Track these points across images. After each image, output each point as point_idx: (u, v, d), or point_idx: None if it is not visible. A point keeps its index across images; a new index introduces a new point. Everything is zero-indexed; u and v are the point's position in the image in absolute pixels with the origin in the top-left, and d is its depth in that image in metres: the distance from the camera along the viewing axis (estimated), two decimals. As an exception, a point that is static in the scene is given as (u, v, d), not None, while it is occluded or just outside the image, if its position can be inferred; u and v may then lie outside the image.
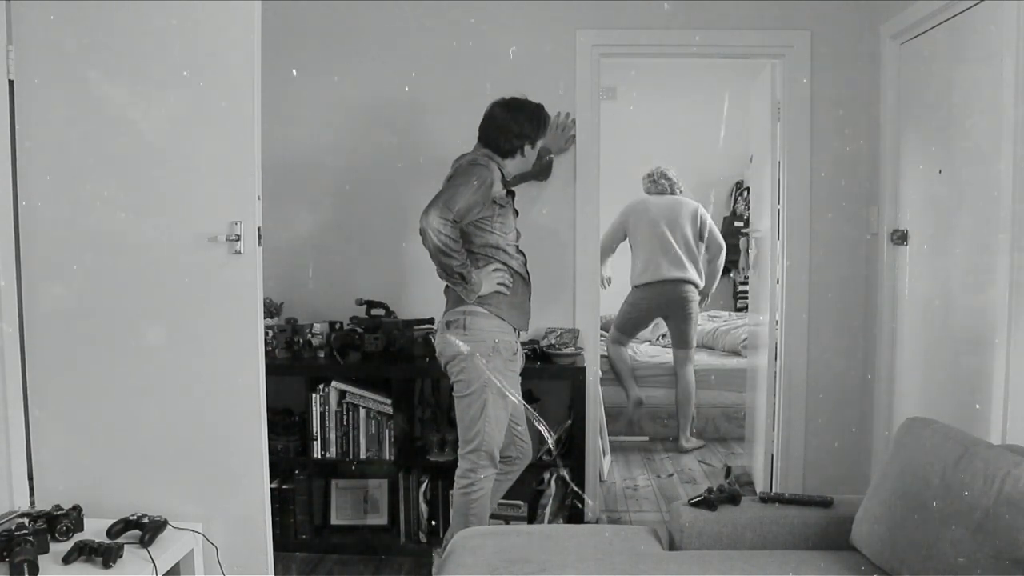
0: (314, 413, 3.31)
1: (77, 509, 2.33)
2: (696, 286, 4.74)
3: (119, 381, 2.52)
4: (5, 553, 2.05)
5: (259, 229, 2.44)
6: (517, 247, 2.90)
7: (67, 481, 2.51)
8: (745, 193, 6.25)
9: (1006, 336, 2.30)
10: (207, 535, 2.47)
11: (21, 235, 2.47)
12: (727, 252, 4.97)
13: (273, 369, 2.78)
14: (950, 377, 2.76)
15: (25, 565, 2.03)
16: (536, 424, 3.05)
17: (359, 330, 3.39)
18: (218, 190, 2.44)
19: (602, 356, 4.29)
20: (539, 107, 2.90)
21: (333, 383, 3.31)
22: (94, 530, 2.29)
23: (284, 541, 3.29)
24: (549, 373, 3.37)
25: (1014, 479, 1.68)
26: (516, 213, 2.93)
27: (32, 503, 2.50)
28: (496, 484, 2.90)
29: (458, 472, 2.85)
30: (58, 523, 2.27)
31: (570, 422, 3.37)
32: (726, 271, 5.94)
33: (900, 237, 3.16)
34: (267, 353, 2.78)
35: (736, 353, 5.43)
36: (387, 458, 3.32)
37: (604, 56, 3.55)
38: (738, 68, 4.96)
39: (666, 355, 5.24)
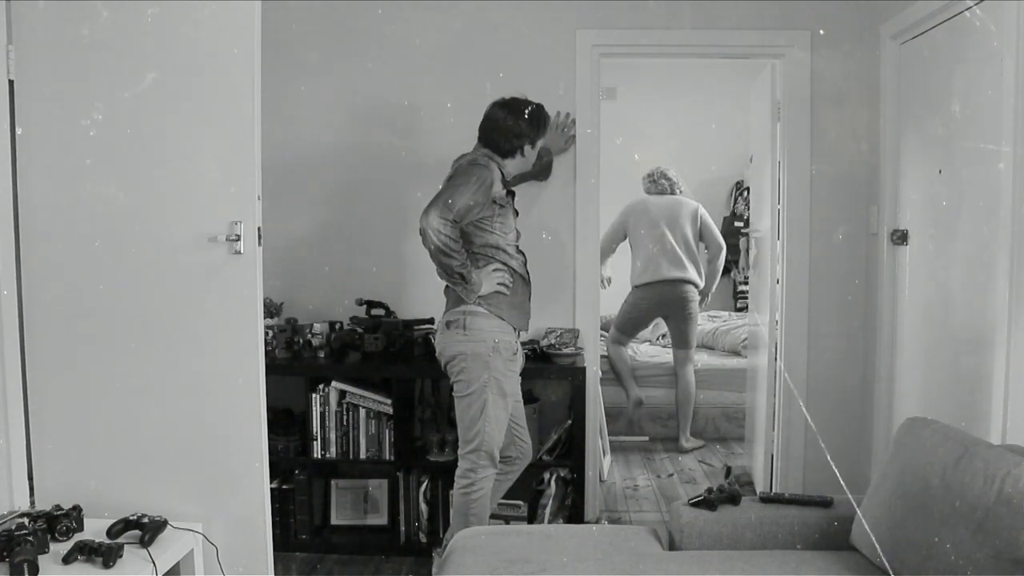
0: (314, 413, 3.31)
1: (77, 509, 2.33)
2: (696, 286, 4.74)
3: (119, 381, 2.51)
4: (5, 553, 2.05)
5: (259, 229, 2.44)
6: (517, 247, 2.90)
7: (67, 481, 2.51)
8: (745, 193, 6.25)
9: (1006, 336, 2.29)
10: (207, 535, 2.47)
11: (21, 235, 2.47)
12: (727, 252, 4.97)
13: (273, 369, 2.79)
14: (950, 377, 2.76)
15: (25, 565, 2.03)
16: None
17: (359, 330, 3.39)
18: (218, 190, 2.44)
19: (602, 356, 4.29)
20: (539, 107, 2.90)
21: (333, 383, 3.32)
22: (94, 530, 2.29)
23: (284, 541, 3.29)
24: (549, 373, 3.38)
25: (1014, 479, 1.68)
26: (516, 213, 2.93)
27: (32, 503, 2.50)
28: (496, 484, 2.90)
29: (458, 472, 2.85)
30: (58, 523, 2.27)
31: (570, 422, 3.37)
32: (726, 271, 5.95)
33: (900, 237, 3.15)
34: (267, 353, 2.78)
35: (736, 353, 5.43)
36: (387, 458, 3.32)
37: (604, 56, 3.55)
38: (738, 68, 4.96)
39: (666, 355, 5.24)
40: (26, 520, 2.20)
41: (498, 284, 2.79)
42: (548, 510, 3.30)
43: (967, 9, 2.60)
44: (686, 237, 4.72)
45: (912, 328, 3.11)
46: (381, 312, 3.43)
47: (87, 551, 2.15)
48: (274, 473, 3.19)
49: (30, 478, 2.52)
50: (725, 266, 5.14)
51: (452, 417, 3.05)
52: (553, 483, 3.36)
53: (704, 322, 5.78)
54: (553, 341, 3.40)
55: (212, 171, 2.45)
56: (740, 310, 6.34)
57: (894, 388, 3.24)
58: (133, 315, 2.50)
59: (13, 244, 2.45)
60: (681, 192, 4.85)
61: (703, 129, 6.14)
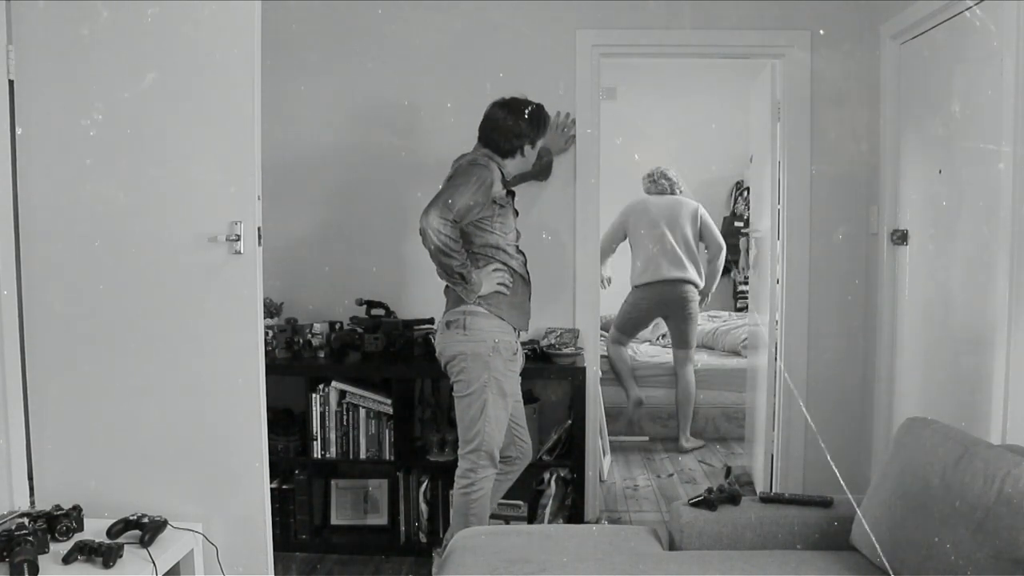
0: (314, 413, 3.31)
1: (77, 509, 2.33)
2: (696, 286, 4.74)
3: (119, 381, 2.51)
4: (5, 553, 2.05)
5: (259, 229, 2.44)
6: (517, 247, 2.90)
7: (67, 481, 2.51)
8: (745, 193, 6.25)
9: (1006, 336, 2.30)
10: (207, 535, 2.47)
11: (21, 235, 2.47)
12: (727, 252, 4.97)
13: (273, 369, 2.79)
14: (950, 377, 2.76)
15: (25, 565, 2.03)
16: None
17: (359, 330, 3.39)
18: (218, 190, 2.44)
19: (602, 356, 4.29)
20: (539, 107, 2.89)
21: (333, 383, 3.32)
22: (94, 530, 2.29)
23: (284, 541, 3.29)
24: (549, 373, 3.38)
25: (1014, 479, 1.68)
26: (516, 213, 2.93)
27: (32, 503, 2.50)
28: (496, 484, 2.90)
29: (458, 472, 2.85)
30: (58, 523, 2.27)
31: (570, 422, 3.37)
32: (726, 271, 5.94)
33: (900, 237, 3.15)
34: (267, 353, 2.78)
35: (736, 353, 5.43)
36: (387, 458, 3.32)
37: (604, 56, 3.55)
38: (738, 68, 4.96)
39: (666, 355, 5.24)
40: (26, 520, 2.20)
41: (498, 284, 2.79)
42: (548, 510, 3.31)
43: (967, 9, 2.60)
44: (686, 237, 4.72)
45: (912, 328, 3.11)
46: (381, 312, 3.44)
47: (87, 551, 2.15)
48: (274, 473, 3.19)
49: (30, 478, 2.52)
50: (725, 266, 5.14)
51: (452, 417, 3.05)
52: (553, 483, 3.36)
53: (704, 322, 5.78)
54: (553, 341, 3.40)
55: (212, 171, 2.45)
56: (740, 310, 6.34)
57: (894, 388, 3.24)
58: (133, 315, 2.50)
59: (13, 244, 2.45)
60: (681, 192, 4.85)
61: (703, 129, 6.14)
